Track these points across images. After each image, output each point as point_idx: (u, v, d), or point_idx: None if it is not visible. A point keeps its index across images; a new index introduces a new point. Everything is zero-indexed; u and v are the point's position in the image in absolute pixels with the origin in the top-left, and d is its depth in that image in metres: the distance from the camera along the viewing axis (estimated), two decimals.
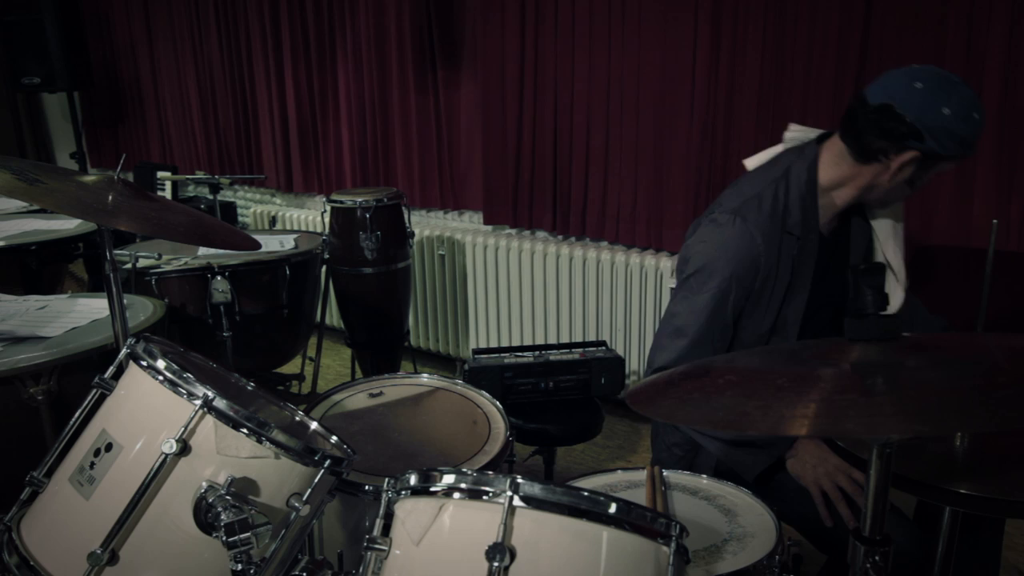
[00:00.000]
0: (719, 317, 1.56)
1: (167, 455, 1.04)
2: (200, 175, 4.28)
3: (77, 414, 1.20)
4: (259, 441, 1.07)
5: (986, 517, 1.62)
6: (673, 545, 0.95)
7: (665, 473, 1.47)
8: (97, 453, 1.09)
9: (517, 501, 0.92)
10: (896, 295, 1.63)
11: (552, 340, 3.30)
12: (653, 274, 2.98)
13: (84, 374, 1.71)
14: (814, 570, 1.72)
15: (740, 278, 1.54)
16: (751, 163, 1.72)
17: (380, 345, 3.18)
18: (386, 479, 1.05)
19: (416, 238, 3.36)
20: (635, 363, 3.13)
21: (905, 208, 1.68)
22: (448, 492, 0.96)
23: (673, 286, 1.81)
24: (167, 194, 4.42)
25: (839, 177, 1.55)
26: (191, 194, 4.88)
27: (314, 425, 1.38)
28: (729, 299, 1.55)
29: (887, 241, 1.65)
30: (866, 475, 0.90)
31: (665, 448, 1.79)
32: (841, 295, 1.68)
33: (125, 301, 1.61)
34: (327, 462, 1.12)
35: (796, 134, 1.67)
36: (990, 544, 1.68)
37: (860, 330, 0.91)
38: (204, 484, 1.05)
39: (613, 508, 0.92)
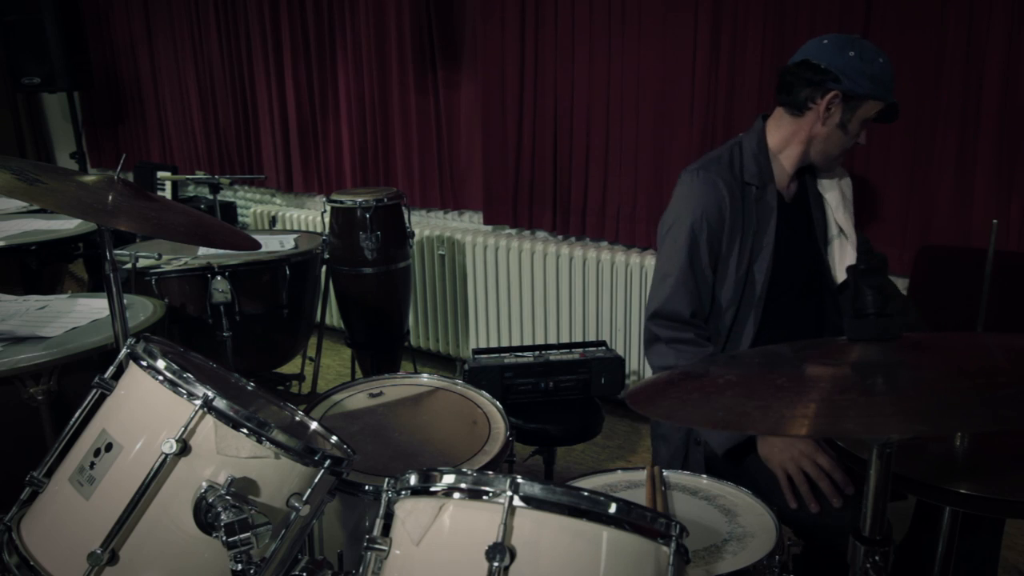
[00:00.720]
0: (696, 258, 1.71)
1: (167, 455, 1.03)
2: (200, 175, 4.28)
3: (77, 414, 1.20)
4: (259, 441, 1.07)
5: (986, 517, 1.62)
6: (673, 545, 0.95)
7: (665, 473, 1.47)
8: (97, 453, 1.09)
9: (517, 501, 0.92)
10: (851, 256, 1.79)
11: (552, 340, 3.30)
12: (653, 274, 2.97)
13: (84, 374, 1.71)
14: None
15: (708, 219, 1.70)
16: None
17: (380, 345, 3.18)
18: (386, 479, 1.05)
19: (416, 238, 3.36)
20: (635, 363, 3.13)
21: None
22: (448, 492, 0.96)
23: None
24: (167, 194, 4.42)
25: (783, 137, 1.76)
26: (191, 194, 4.88)
27: (314, 425, 1.38)
28: (701, 240, 1.71)
29: (838, 208, 1.81)
30: (866, 475, 0.90)
31: (659, 437, 1.82)
32: (809, 268, 1.80)
33: (125, 301, 1.61)
34: (327, 462, 1.12)
35: None
36: (989, 544, 1.69)
37: (860, 330, 0.91)
38: (204, 484, 1.04)
39: (613, 508, 0.92)
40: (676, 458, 1.78)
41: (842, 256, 1.79)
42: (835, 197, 1.81)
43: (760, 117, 1.82)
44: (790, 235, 1.77)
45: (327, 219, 3.07)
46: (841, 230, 1.80)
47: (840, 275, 1.78)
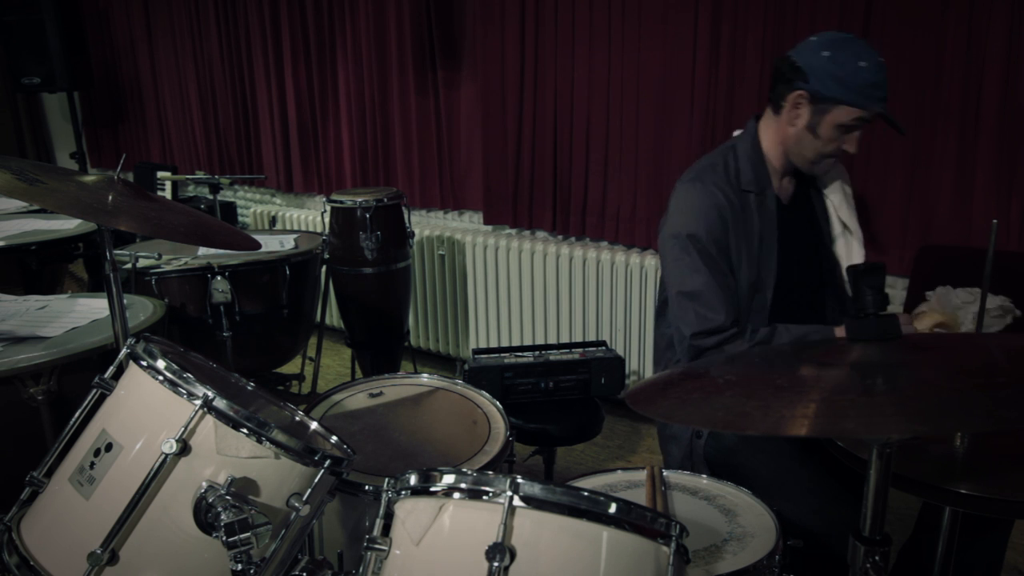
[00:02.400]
0: (716, 270, 1.66)
1: (167, 455, 1.03)
2: (200, 175, 4.28)
3: (77, 414, 1.20)
4: (259, 441, 1.07)
5: (991, 522, 1.62)
6: (673, 545, 0.95)
7: (665, 473, 1.47)
8: (97, 453, 1.09)
9: (517, 501, 0.92)
10: (857, 252, 1.77)
11: (552, 340, 3.30)
12: (653, 274, 2.98)
13: (84, 374, 1.71)
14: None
15: (712, 230, 1.66)
16: None
17: (380, 345, 3.18)
18: (386, 479, 1.05)
19: (416, 238, 3.36)
20: (635, 363, 3.13)
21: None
22: (448, 492, 0.96)
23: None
24: (167, 194, 4.42)
25: (769, 137, 1.72)
26: (191, 194, 4.88)
27: (314, 425, 1.38)
28: (714, 252, 1.66)
29: (841, 206, 1.78)
30: (866, 475, 0.90)
31: (669, 438, 1.82)
32: (815, 269, 1.79)
33: (125, 301, 1.61)
34: (327, 462, 1.12)
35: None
36: (994, 544, 1.69)
37: (860, 330, 0.91)
38: (204, 484, 1.04)
39: (613, 508, 0.92)
40: (687, 457, 1.79)
41: (848, 253, 1.78)
42: (837, 194, 1.79)
43: (753, 118, 1.78)
44: (791, 237, 1.75)
45: (327, 219, 3.07)
46: (846, 227, 1.79)
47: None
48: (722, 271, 1.66)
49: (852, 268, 0.93)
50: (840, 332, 1.60)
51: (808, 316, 1.77)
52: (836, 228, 1.80)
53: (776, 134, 1.71)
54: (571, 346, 2.35)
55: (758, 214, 1.69)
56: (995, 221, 1.33)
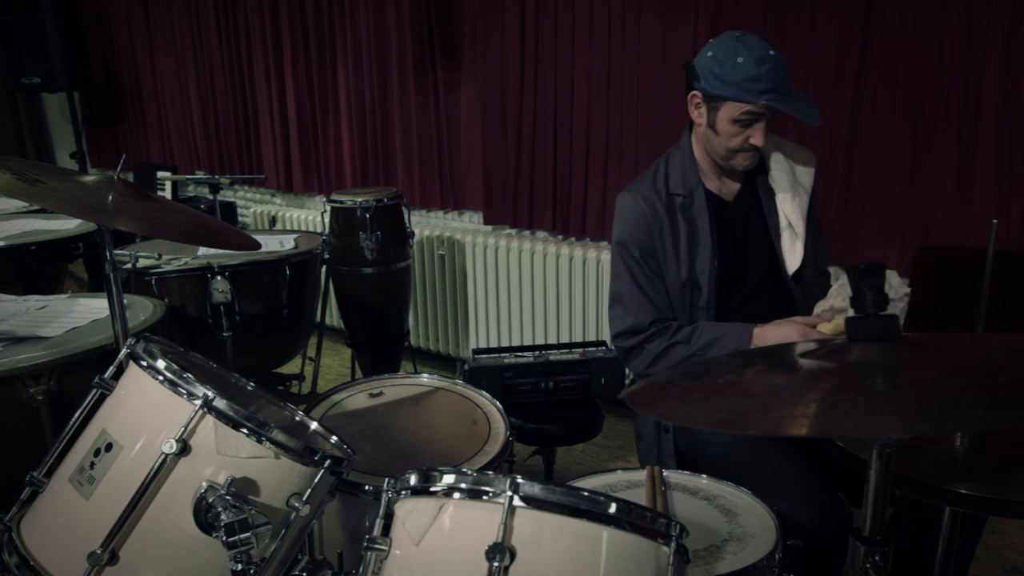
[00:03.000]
0: (638, 273, 1.76)
1: (167, 455, 1.03)
2: (200, 175, 4.28)
3: (77, 414, 1.20)
4: (259, 441, 1.07)
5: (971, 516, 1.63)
6: (673, 545, 0.95)
7: (665, 473, 1.47)
8: (97, 453, 1.09)
9: (517, 501, 0.92)
10: (796, 250, 1.78)
11: (552, 340, 3.29)
12: None
13: (84, 374, 1.71)
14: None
15: (636, 237, 1.75)
16: None
17: (380, 345, 3.18)
18: (386, 479, 1.05)
19: (416, 238, 3.36)
20: None
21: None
22: (448, 492, 0.96)
23: None
24: (167, 194, 4.42)
25: (696, 140, 1.78)
26: (191, 194, 4.88)
27: (314, 425, 1.38)
28: (636, 256, 1.75)
29: (784, 200, 1.79)
30: (866, 475, 0.90)
31: (636, 434, 1.87)
32: (763, 263, 1.80)
33: (125, 301, 1.61)
34: (327, 462, 1.12)
35: None
36: (969, 541, 1.70)
37: (860, 330, 0.91)
38: (204, 484, 1.04)
39: (613, 508, 0.92)
40: (651, 451, 1.81)
41: (792, 248, 1.78)
42: (785, 189, 1.79)
43: (687, 125, 1.81)
44: (734, 232, 1.78)
45: (327, 219, 3.07)
46: (790, 223, 1.78)
47: (791, 266, 1.77)
48: (646, 275, 1.75)
49: (852, 268, 0.93)
50: (759, 331, 1.65)
51: (758, 310, 1.77)
52: (782, 223, 1.80)
53: (696, 136, 1.77)
54: (571, 346, 2.35)
55: (684, 216, 1.75)
56: (995, 221, 1.33)
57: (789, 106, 1.61)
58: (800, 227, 1.77)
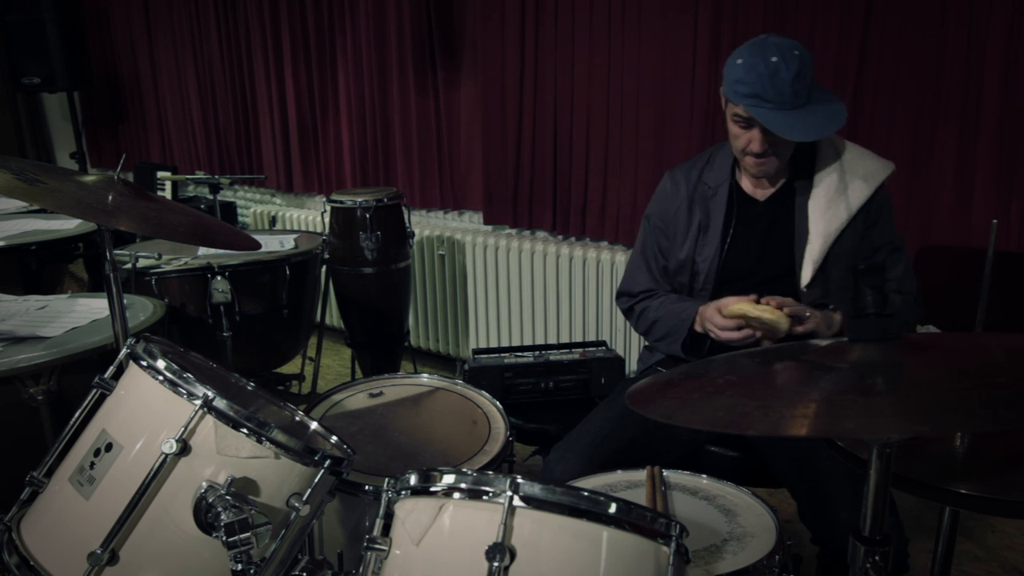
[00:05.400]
0: (646, 245, 1.90)
1: (167, 455, 1.03)
2: (200, 175, 4.28)
3: (77, 414, 1.20)
4: (259, 441, 1.07)
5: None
6: (673, 545, 0.95)
7: (665, 473, 1.47)
8: (97, 453, 1.09)
9: (517, 501, 0.92)
10: (806, 269, 1.72)
11: (552, 340, 3.29)
12: None
13: (84, 374, 1.70)
14: (813, 571, 1.72)
15: (655, 211, 1.89)
16: None
17: (380, 345, 3.18)
18: (386, 479, 1.05)
19: (416, 238, 3.36)
20: (635, 363, 3.12)
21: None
22: (448, 492, 0.96)
23: None
24: (167, 194, 4.42)
25: None
26: (191, 194, 4.88)
27: (314, 425, 1.38)
28: (649, 229, 1.90)
29: (816, 209, 1.74)
30: (866, 475, 0.90)
31: None
32: (771, 267, 1.76)
33: (125, 301, 1.61)
34: (327, 462, 1.12)
35: None
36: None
37: (860, 330, 0.91)
38: (204, 484, 1.04)
39: (613, 508, 0.92)
40: None
41: (810, 259, 1.72)
42: (819, 200, 1.73)
43: None
44: (754, 231, 1.77)
45: (327, 219, 3.07)
46: (808, 238, 1.73)
47: (805, 278, 1.71)
48: (652, 248, 1.89)
49: (852, 268, 0.93)
50: (698, 320, 1.70)
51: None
52: (811, 232, 1.74)
53: None
54: (571, 346, 2.35)
55: (703, 205, 1.80)
56: (995, 221, 1.33)
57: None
58: (818, 242, 1.70)
